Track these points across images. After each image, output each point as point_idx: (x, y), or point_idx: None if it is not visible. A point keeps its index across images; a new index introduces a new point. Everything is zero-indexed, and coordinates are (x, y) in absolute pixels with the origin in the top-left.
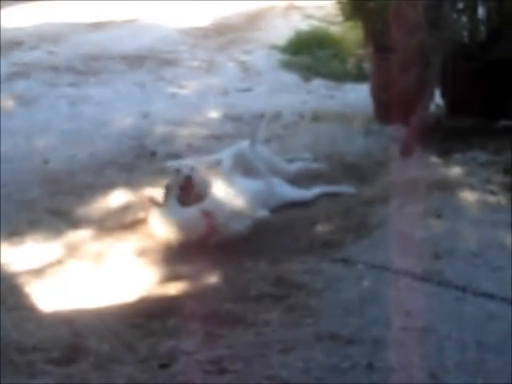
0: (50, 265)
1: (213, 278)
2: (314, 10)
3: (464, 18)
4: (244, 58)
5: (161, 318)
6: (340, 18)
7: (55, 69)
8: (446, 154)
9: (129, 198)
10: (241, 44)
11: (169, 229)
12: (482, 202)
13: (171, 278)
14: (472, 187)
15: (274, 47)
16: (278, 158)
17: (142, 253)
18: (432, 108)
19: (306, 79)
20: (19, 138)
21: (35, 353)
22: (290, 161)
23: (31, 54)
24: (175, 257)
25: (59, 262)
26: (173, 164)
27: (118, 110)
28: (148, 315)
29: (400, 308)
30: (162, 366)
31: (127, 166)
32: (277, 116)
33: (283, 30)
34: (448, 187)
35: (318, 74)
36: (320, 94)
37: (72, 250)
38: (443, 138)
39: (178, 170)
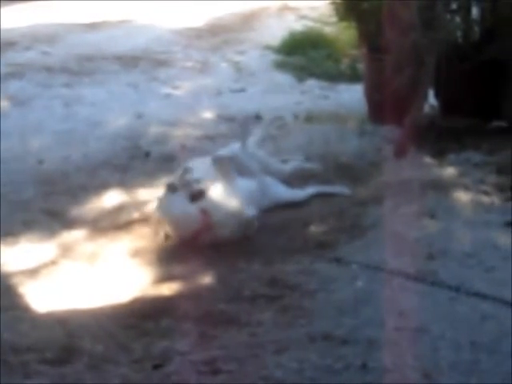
0: (44, 265)
1: (206, 279)
2: (308, 10)
3: (458, 19)
4: (238, 58)
5: (155, 318)
6: (334, 19)
7: (49, 69)
8: (439, 154)
9: (123, 198)
10: (234, 44)
11: (166, 222)
12: (476, 203)
13: (165, 278)
14: (466, 187)
15: (267, 48)
16: (272, 158)
17: (136, 253)
18: (426, 108)
19: (300, 80)
20: (13, 138)
21: (29, 353)
22: (284, 162)
23: (25, 54)
24: (169, 257)
25: (53, 262)
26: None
27: (112, 110)
28: (142, 316)
29: (394, 308)
30: (156, 367)
31: (121, 166)
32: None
33: (277, 31)
34: (442, 187)
35: (312, 74)
36: (314, 95)
37: (66, 250)
38: (437, 138)
39: (186, 169)
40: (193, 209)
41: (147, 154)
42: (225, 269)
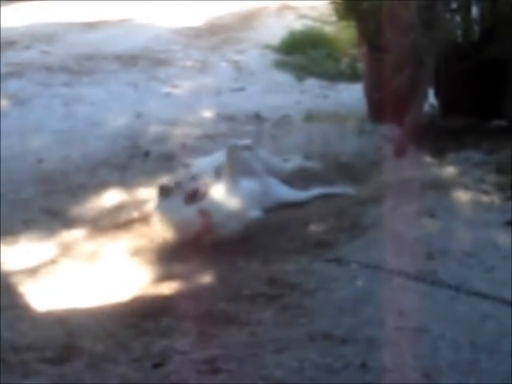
0: (44, 264)
1: (206, 278)
2: (308, 9)
3: (457, 18)
4: (237, 57)
5: (154, 317)
6: (334, 18)
7: (49, 69)
8: (439, 153)
9: (122, 197)
10: (234, 44)
11: (165, 226)
12: (476, 202)
13: (165, 277)
14: (466, 187)
15: (267, 47)
16: (274, 158)
17: (136, 252)
18: (425, 108)
19: (300, 79)
20: (13, 137)
21: (29, 352)
22: (284, 161)
23: (25, 53)
24: (169, 256)
25: (53, 261)
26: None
27: (112, 109)
28: (142, 315)
29: (393, 308)
30: (156, 366)
31: (121, 165)
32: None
33: (277, 30)
34: (442, 187)
35: (312, 73)
36: (313, 94)
37: (66, 249)
38: (437, 137)
39: (185, 165)
40: (191, 212)
41: (147, 154)
42: (225, 268)
